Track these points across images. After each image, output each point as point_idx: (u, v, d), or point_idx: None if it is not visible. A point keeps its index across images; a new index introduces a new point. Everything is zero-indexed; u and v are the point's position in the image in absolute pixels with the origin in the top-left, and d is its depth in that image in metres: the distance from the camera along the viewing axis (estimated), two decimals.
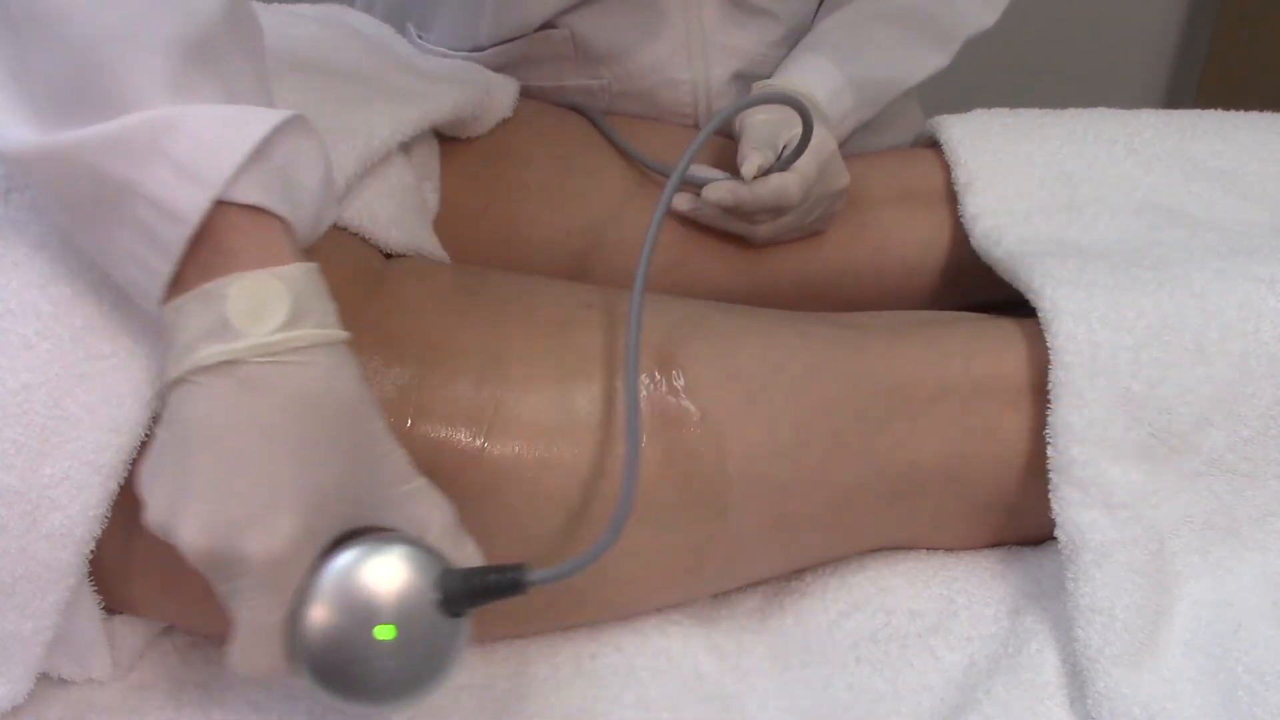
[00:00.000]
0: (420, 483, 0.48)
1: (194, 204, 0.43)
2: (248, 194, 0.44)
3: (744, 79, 0.83)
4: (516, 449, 0.56)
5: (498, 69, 0.80)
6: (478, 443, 0.55)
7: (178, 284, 0.45)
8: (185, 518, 0.43)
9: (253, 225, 0.45)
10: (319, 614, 0.44)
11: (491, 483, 0.55)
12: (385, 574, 0.45)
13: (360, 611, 0.44)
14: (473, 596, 0.46)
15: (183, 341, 0.45)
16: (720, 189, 0.70)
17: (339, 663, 0.44)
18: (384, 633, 0.44)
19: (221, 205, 0.44)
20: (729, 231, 0.74)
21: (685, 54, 0.81)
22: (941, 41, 0.84)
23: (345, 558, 0.45)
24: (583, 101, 0.82)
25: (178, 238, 0.44)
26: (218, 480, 0.44)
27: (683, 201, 0.73)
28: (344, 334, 0.47)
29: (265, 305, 0.44)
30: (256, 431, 0.44)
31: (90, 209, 0.45)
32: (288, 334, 0.44)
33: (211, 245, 0.44)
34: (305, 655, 0.45)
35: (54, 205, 0.48)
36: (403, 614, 0.45)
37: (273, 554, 0.43)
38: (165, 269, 0.44)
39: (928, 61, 0.84)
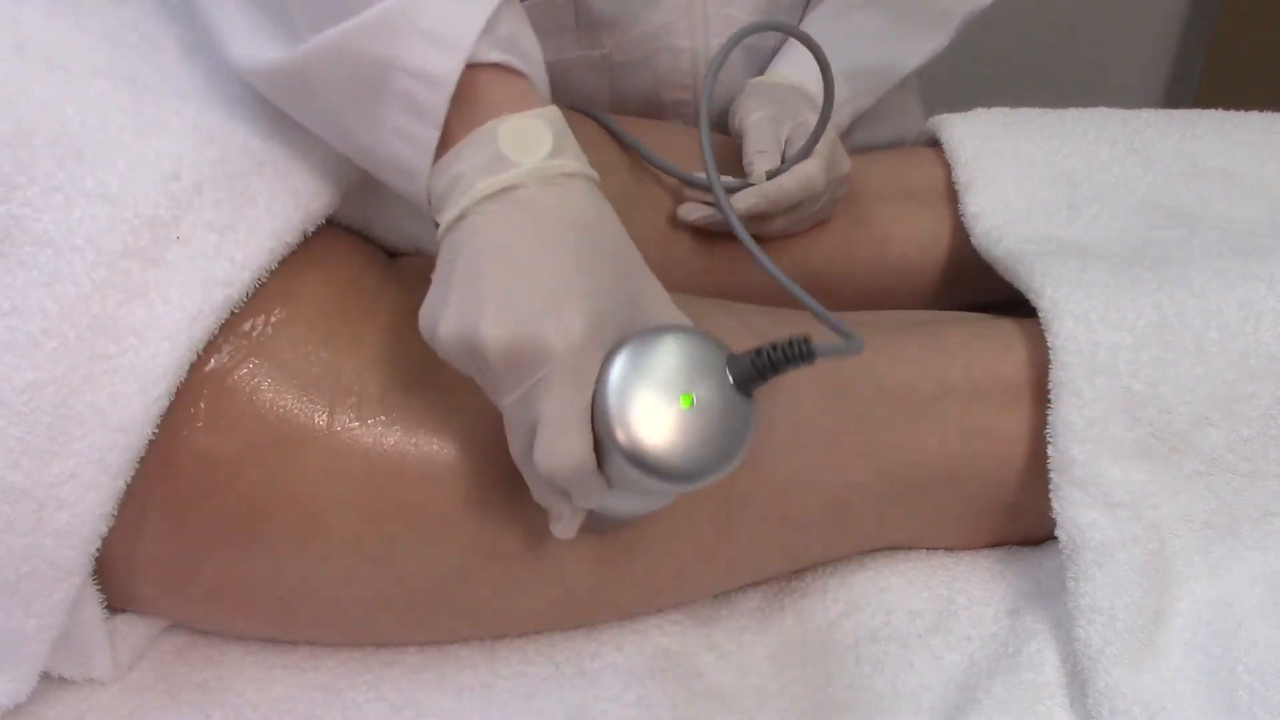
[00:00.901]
0: (680, 313, 0.50)
1: (449, 67, 0.48)
2: (491, 54, 0.49)
3: (745, 48, 0.82)
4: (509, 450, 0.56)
5: None
6: (489, 442, 0.55)
7: (444, 145, 0.49)
8: (484, 318, 0.46)
9: (502, 81, 0.50)
10: (620, 389, 0.46)
11: (505, 483, 0.56)
12: (677, 353, 0.47)
13: (660, 384, 0.46)
14: (762, 372, 0.47)
15: (460, 185, 0.48)
16: (750, 196, 0.69)
17: (646, 435, 0.45)
18: (686, 401, 0.46)
19: (472, 68, 0.48)
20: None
21: (686, 22, 0.81)
22: (936, 23, 0.83)
23: (635, 343, 0.47)
24: (584, 76, 0.82)
25: (440, 101, 0.48)
26: (510, 283, 0.47)
27: (693, 212, 0.72)
28: (595, 175, 0.51)
29: (532, 138, 0.49)
30: (539, 242, 0.47)
31: (356, 98, 0.50)
32: (556, 161, 0.49)
33: (471, 103, 0.49)
34: (612, 435, 0.46)
35: (318, 112, 0.53)
36: (699, 386, 0.46)
37: (571, 340, 0.45)
38: (432, 135, 0.49)
39: (923, 44, 0.83)
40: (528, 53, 0.51)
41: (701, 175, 0.73)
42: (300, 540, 0.54)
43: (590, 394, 0.46)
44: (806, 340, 0.47)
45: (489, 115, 0.49)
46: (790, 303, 0.73)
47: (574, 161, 0.50)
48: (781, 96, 0.75)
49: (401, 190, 0.53)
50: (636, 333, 0.47)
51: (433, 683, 0.59)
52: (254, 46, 0.53)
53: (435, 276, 0.50)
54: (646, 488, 0.47)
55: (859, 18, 0.80)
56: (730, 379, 0.47)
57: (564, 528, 0.51)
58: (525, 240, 0.48)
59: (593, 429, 0.47)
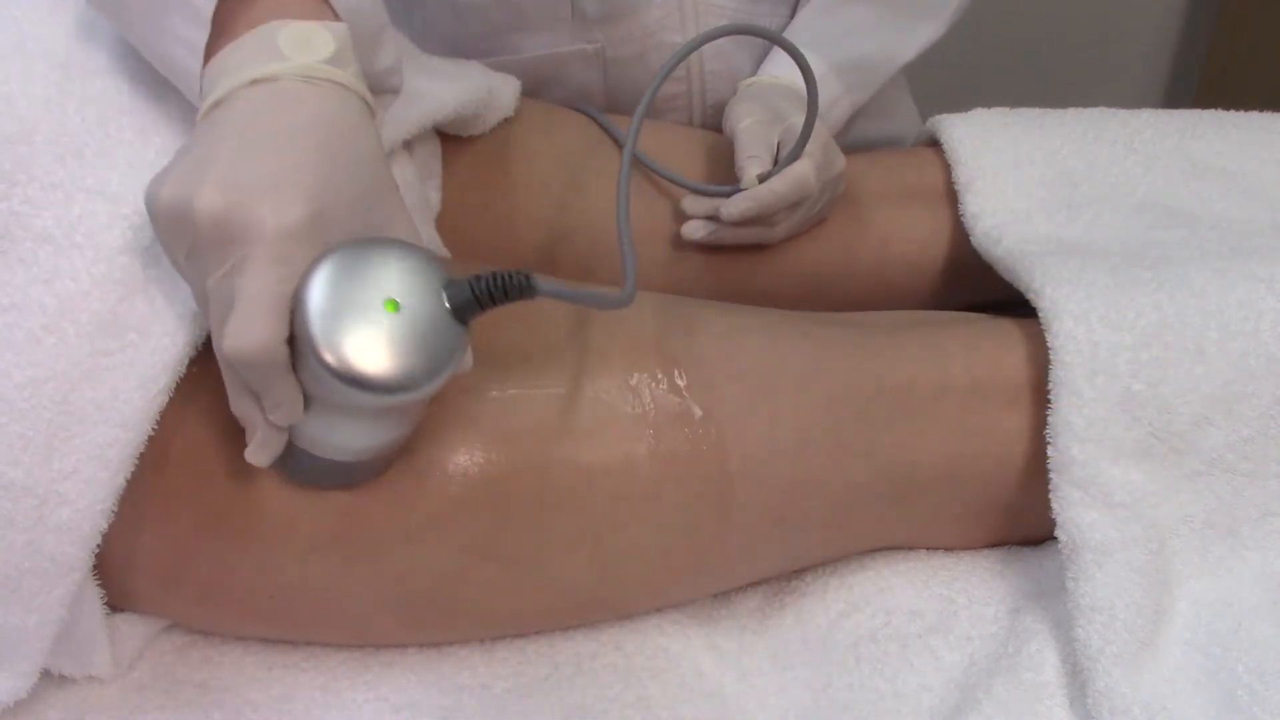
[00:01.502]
0: (421, 235, 0.49)
1: None
2: None
3: (740, 41, 0.82)
4: (521, 449, 0.56)
5: (495, 30, 0.80)
6: (482, 443, 0.55)
7: (225, 40, 0.49)
8: (204, 185, 0.45)
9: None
10: (326, 284, 0.44)
11: (497, 484, 0.56)
12: (394, 265, 0.45)
13: (368, 289, 0.44)
14: (480, 300, 0.46)
15: (228, 71, 0.48)
16: (741, 201, 0.69)
17: (343, 331, 0.44)
18: (391, 306, 0.44)
19: None
20: (747, 243, 0.73)
21: (678, 16, 0.81)
22: (930, 10, 0.82)
23: (352, 247, 0.45)
24: (578, 70, 0.82)
25: (208, 1, 0.48)
26: (239, 158, 0.45)
27: (697, 231, 0.72)
28: (369, 96, 0.50)
29: (313, 41, 0.48)
30: (283, 128, 0.46)
31: (149, 8, 0.50)
32: (330, 68, 0.48)
33: (258, 10, 0.49)
34: (307, 329, 0.44)
35: (128, 26, 0.53)
36: (410, 299, 0.45)
37: (284, 223, 0.44)
38: (201, 35, 0.49)
39: (918, 34, 0.82)
40: None
41: (694, 181, 0.73)
42: (285, 534, 0.54)
43: (293, 284, 0.45)
44: (528, 275, 0.46)
45: (273, 18, 0.49)
46: (792, 303, 0.73)
47: (350, 76, 0.49)
48: (773, 98, 0.75)
49: (190, 98, 0.52)
50: (356, 239, 0.46)
51: (432, 683, 0.59)
52: None
53: (175, 154, 0.49)
54: (339, 398, 0.45)
55: (852, 10, 0.80)
56: (446, 302, 0.46)
57: (256, 447, 0.49)
58: (269, 124, 0.47)
59: (292, 326, 0.45)
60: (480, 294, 0.46)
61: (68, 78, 0.54)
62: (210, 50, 0.49)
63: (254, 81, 0.47)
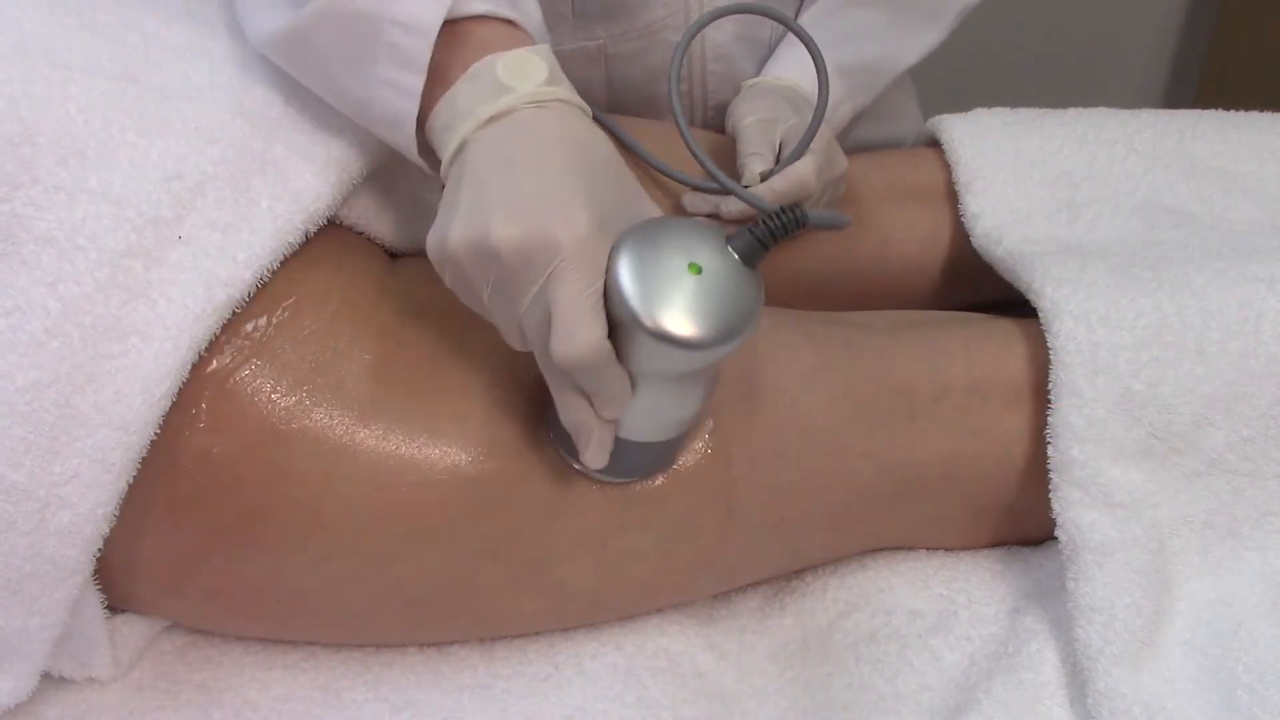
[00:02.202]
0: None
1: (432, 13, 0.51)
2: (475, 6, 0.53)
3: (745, 42, 0.82)
4: (530, 454, 0.56)
5: None
6: (490, 449, 0.55)
7: (443, 87, 0.52)
8: (493, 220, 0.48)
9: (493, 27, 0.53)
10: (630, 269, 0.47)
11: (505, 489, 0.56)
12: (679, 234, 0.48)
13: (668, 261, 0.47)
14: (763, 241, 0.48)
15: (460, 115, 0.51)
16: (739, 203, 0.69)
17: (662, 304, 0.46)
18: (694, 269, 0.47)
19: (463, 20, 0.52)
20: None
21: (683, 15, 0.81)
22: (933, 16, 0.82)
23: (638, 230, 0.48)
24: (579, 67, 0.82)
25: (423, 47, 0.52)
26: (513, 188, 0.49)
27: (698, 204, 0.72)
28: (588, 106, 0.54)
29: (528, 69, 0.52)
30: (538, 155, 0.50)
31: (350, 55, 0.54)
32: (551, 88, 0.52)
33: (465, 47, 0.52)
34: (630, 311, 0.46)
35: (317, 71, 0.57)
36: (703, 258, 0.48)
37: (578, 231, 0.47)
38: (416, 81, 0.52)
39: (920, 39, 0.82)
40: (519, 2, 0.54)
41: (695, 178, 0.73)
42: (299, 541, 0.54)
43: (602, 282, 0.48)
44: (797, 206, 0.49)
45: (484, 54, 0.52)
46: (792, 303, 0.73)
47: (567, 91, 0.53)
48: (777, 97, 0.75)
49: (394, 143, 0.56)
50: (637, 224, 0.49)
51: (432, 683, 0.59)
52: (266, 19, 0.57)
53: (441, 204, 0.51)
54: (670, 365, 0.48)
55: (856, 13, 0.80)
56: (734, 253, 0.48)
57: (595, 449, 0.51)
58: (525, 155, 0.50)
59: (609, 318, 0.48)
60: (763, 237, 0.48)
61: (70, 79, 0.54)
62: (426, 96, 0.53)
63: (491, 119, 0.51)
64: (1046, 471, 0.58)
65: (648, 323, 0.46)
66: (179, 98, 0.56)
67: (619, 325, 0.48)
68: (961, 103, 0.83)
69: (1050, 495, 0.58)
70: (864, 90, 0.82)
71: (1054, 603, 0.60)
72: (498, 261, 0.48)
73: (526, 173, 0.49)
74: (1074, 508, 0.57)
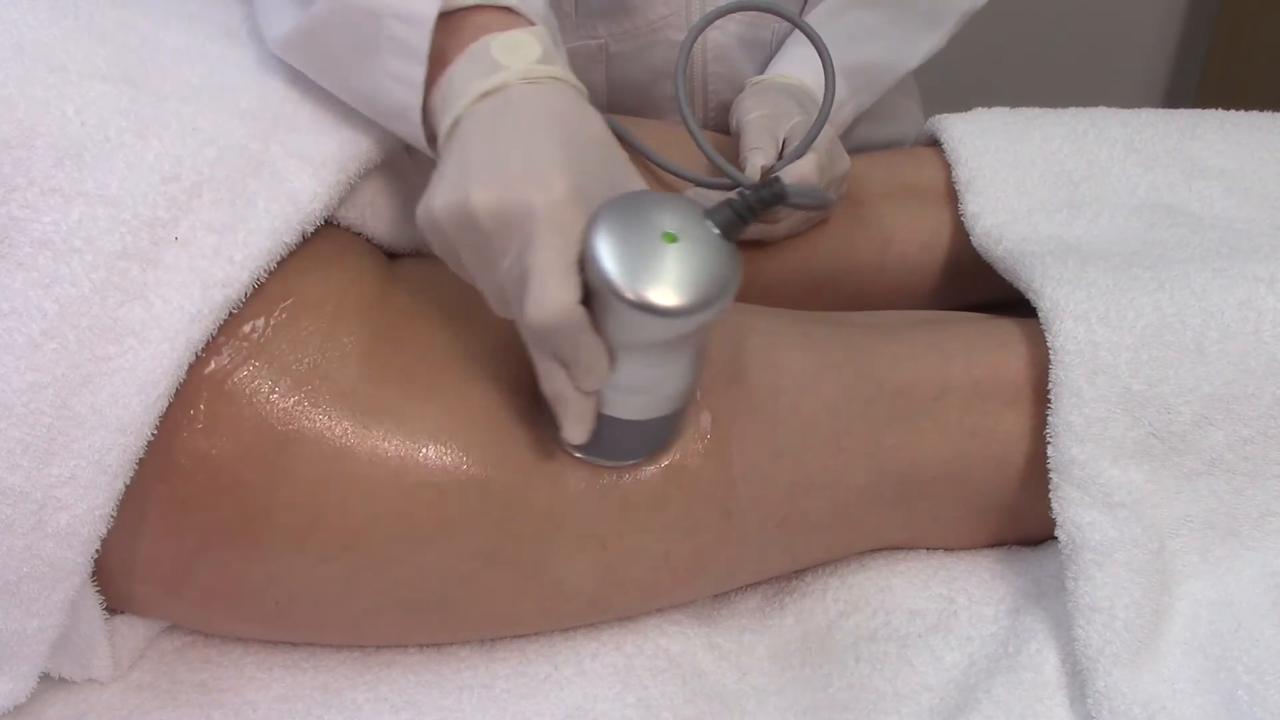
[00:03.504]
0: None
1: (428, 6, 0.53)
2: None
3: (746, 42, 0.82)
4: (529, 456, 0.56)
5: None
6: (490, 450, 0.55)
7: (441, 70, 0.54)
8: (472, 186, 0.49)
9: (489, 13, 0.55)
10: (606, 236, 0.47)
11: (505, 491, 0.56)
12: (657, 207, 0.49)
13: (645, 230, 0.48)
14: (741, 215, 0.49)
15: (455, 92, 0.52)
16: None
17: (638, 271, 0.47)
18: (669, 238, 0.47)
19: (459, 10, 0.54)
20: (752, 239, 0.73)
21: (684, 13, 0.81)
22: (933, 22, 0.82)
23: (616, 201, 0.49)
24: (580, 65, 0.82)
25: (422, 37, 0.53)
26: (496, 158, 0.50)
27: (700, 199, 0.72)
28: (582, 86, 0.54)
29: (522, 47, 0.53)
30: (524, 125, 0.51)
31: (355, 50, 0.55)
32: (544, 67, 0.53)
33: (461, 32, 0.54)
34: (605, 278, 0.46)
35: (328, 68, 0.58)
36: (681, 229, 0.48)
37: (553, 197, 0.48)
38: (419, 71, 0.54)
39: (921, 43, 0.83)
40: None
41: (697, 174, 0.73)
42: (297, 544, 0.54)
43: (577, 249, 0.48)
44: (777, 180, 0.49)
45: (481, 36, 0.53)
46: (792, 303, 0.73)
47: (562, 70, 0.53)
48: (782, 95, 0.75)
49: (403, 134, 0.57)
50: (615, 196, 0.49)
51: (432, 683, 0.59)
52: (279, 21, 0.59)
53: (433, 176, 0.52)
54: (647, 332, 0.48)
55: (858, 15, 0.80)
56: (712, 226, 0.49)
57: (574, 422, 0.51)
58: (512, 126, 0.51)
59: (586, 288, 0.48)
60: (741, 210, 0.49)
61: (67, 81, 0.54)
62: (429, 84, 0.54)
63: (483, 95, 0.52)
64: (1046, 471, 0.58)
65: (623, 288, 0.46)
66: (176, 99, 0.56)
67: (595, 294, 0.48)
68: (961, 103, 0.83)
69: (1050, 495, 0.58)
70: (867, 91, 0.82)
71: (1054, 603, 0.60)
72: (476, 226, 0.49)
73: (510, 143, 0.50)
74: (1074, 508, 0.57)
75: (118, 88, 0.55)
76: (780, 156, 0.70)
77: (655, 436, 0.56)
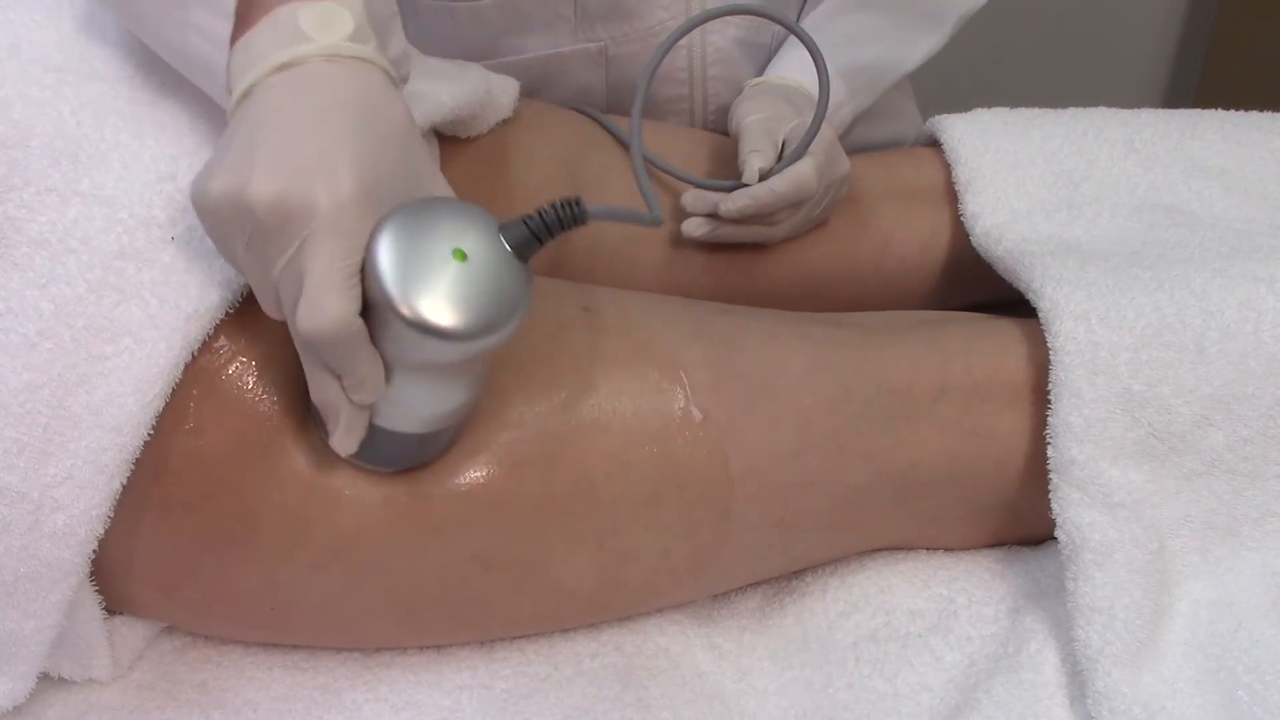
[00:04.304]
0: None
1: None
2: None
3: (744, 45, 0.82)
4: (524, 456, 0.56)
5: (495, 33, 0.80)
6: (485, 451, 0.55)
7: (244, 28, 0.49)
8: (254, 174, 0.45)
9: None
10: (391, 246, 0.44)
11: (500, 492, 0.55)
12: (449, 217, 0.46)
13: (432, 243, 0.45)
14: (537, 234, 0.46)
15: (253, 58, 0.48)
16: (740, 198, 0.68)
17: (420, 290, 0.44)
18: (459, 255, 0.45)
19: None
20: (747, 241, 0.73)
21: (684, 16, 0.81)
22: (932, 23, 0.83)
23: (406, 208, 0.46)
24: (580, 69, 0.82)
25: None
26: (284, 144, 0.46)
27: (698, 228, 0.71)
28: (391, 68, 0.50)
29: (333, 21, 0.49)
30: (319, 110, 0.47)
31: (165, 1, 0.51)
32: (353, 45, 0.49)
33: None
34: (385, 292, 0.44)
35: (141, 20, 0.54)
36: (473, 247, 0.45)
37: (340, 197, 0.45)
38: (224, 26, 0.49)
39: (920, 45, 0.83)
40: None
41: (696, 176, 0.73)
42: (290, 549, 0.54)
43: (359, 257, 0.45)
44: (577, 201, 0.46)
45: (292, 1, 0.49)
46: (792, 303, 0.73)
47: (372, 51, 0.50)
48: (780, 97, 0.75)
49: (210, 92, 0.52)
50: (406, 202, 0.46)
51: (432, 683, 0.59)
52: None
53: (214, 150, 0.49)
54: (425, 354, 0.46)
55: (857, 17, 0.80)
56: (505, 243, 0.46)
57: (343, 432, 0.49)
58: (305, 107, 0.47)
59: (365, 297, 0.45)
60: (537, 229, 0.46)
61: (63, 81, 0.54)
62: (231, 40, 0.50)
63: (281, 66, 0.48)
64: (1046, 472, 0.58)
65: (402, 307, 0.44)
66: (172, 99, 0.56)
67: (374, 306, 0.45)
68: (961, 103, 0.83)
69: (1050, 495, 0.58)
70: (865, 93, 0.82)
71: (1054, 603, 0.60)
72: (253, 218, 0.45)
73: (301, 129, 0.46)
74: (1074, 508, 0.57)
75: (114, 87, 0.55)
76: (779, 158, 0.71)
77: (428, 448, 0.53)
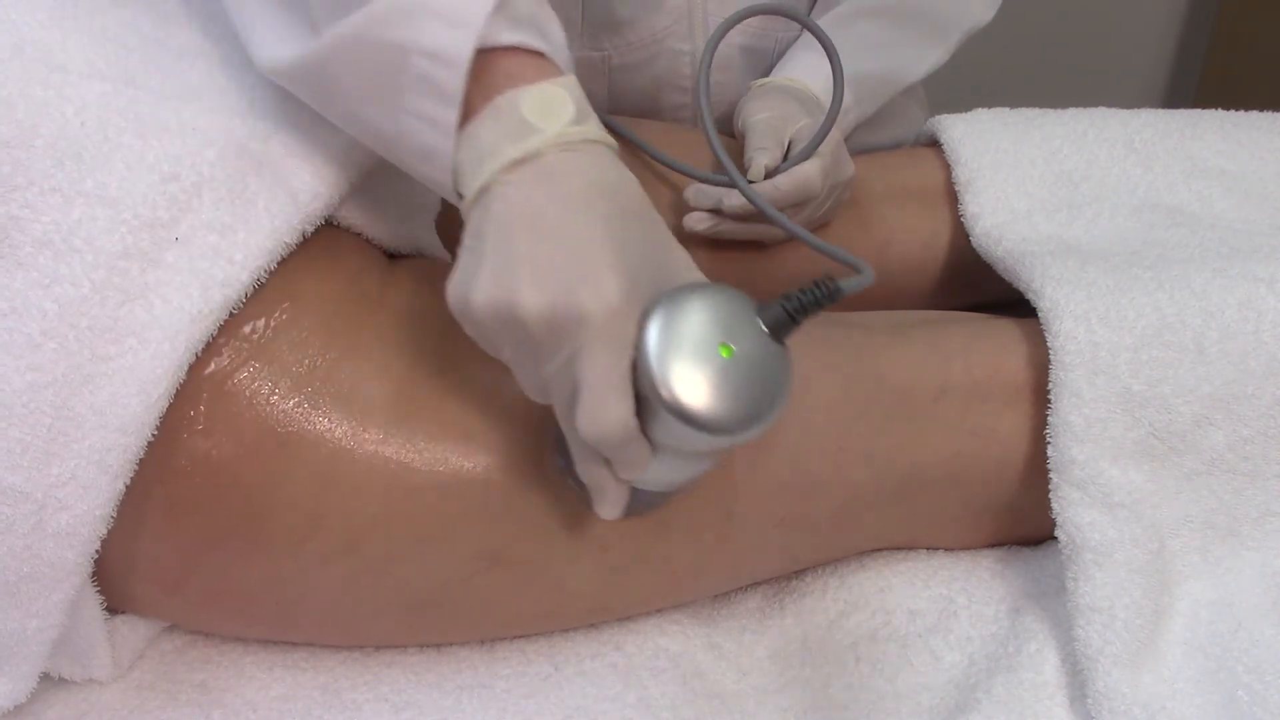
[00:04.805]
0: (700, 273, 0.51)
1: (463, 44, 0.48)
2: (507, 35, 0.49)
3: (745, 51, 0.82)
4: (522, 456, 0.56)
5: None
6: (489, 452, 0.55)
7: (464, 120, 0.49)
8: (521, 285, 0.46)
9: (520, 58, 0.50)
10: (659, 347, 0.46)
11: (504, 493, 0.56)
12: (710, 307, 0.47)
13: (698, 339, 0.46)
14: (794, 315, 0.47)
15: (485, 154, 0.48)
16: (741, 198, 0.68)
17: (691, 389, 0.45)
18: (726, 352, 0.46)
19: (490, 50, 0.49)
20: (749, 239, 0.73)
21: (686, 25, 0.81)
22: (938, 37, 0.83)
23: (668, 302, 0.47)
24: (582, 76, 0.82)
25: (456, 79, 0.48)
26: (543, 249, 0.47)
27: (700, 222, 0.71)
28: (615, 143, 0.51)
29: (555, 106, 0.49)
30: (566, 209, 0.47)
31: (375, 86, 0.51)
32: (578, 128, 0.49)
33: (491, 78, 0.49)
34: (658, 393, 0.45)
35: (341, 104, 0.53)
36: (736, 338, 0.46)
37: (608, 304, 0.45)
38: (451, 114, 0.49)
39: (925, 57, 0.83)
40: (548, 31, 0.51)
41: (709, 172, 0.73)
42: (298, 545, 0.54)
43: (630, 357, 0.46)
44: (831, 279, 0.48)
45: (509, 87, 0.49)
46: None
47: (595, 129, 0.50)
48: (788, 97, 0.75)
49: (425, 177, 0.52)
50: (667, 292, 0.47)
51: (433, 683, 0.59)
52: (278, 44, 0.54)
53: (463, 248, 0.49)
54: (694, 445, 0.47)
55: (863, 27, 0.80)
56: (764, 328, 0.47)
57: (609, 505, 0.51)
58: (554, 206, 0.47)
59: (635, 391, 0.47)
60: (794, 311, 0.47)
61: (67, 81, 0.54)
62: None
63: (515, 162, 0.48)
64: (1046, 471, 0.58)
65: (676, 409, 0.45)
66: (176, 99, 0.56)
67: (645, 400, 0.47)
68: (962, 103, 0.83)
69: (1050, 495, 0.58)
70: (871, 99, 0.82)
71: (1054, 603, 0.60)
72: (524, 329, 0.47)
73: (554, 231, 0.47)
74: (1074, 508, 0.57)
75: (117, 88, 0.55)
76: (785, 158, 0.71)
77: (671, 497, 0.55)
